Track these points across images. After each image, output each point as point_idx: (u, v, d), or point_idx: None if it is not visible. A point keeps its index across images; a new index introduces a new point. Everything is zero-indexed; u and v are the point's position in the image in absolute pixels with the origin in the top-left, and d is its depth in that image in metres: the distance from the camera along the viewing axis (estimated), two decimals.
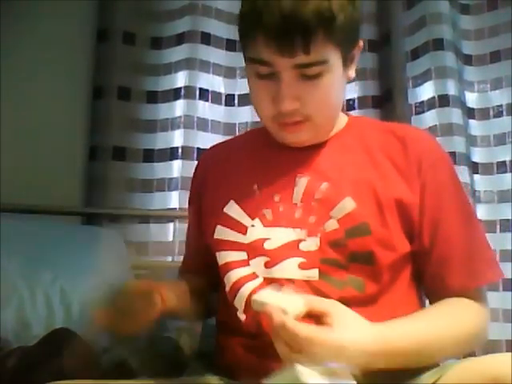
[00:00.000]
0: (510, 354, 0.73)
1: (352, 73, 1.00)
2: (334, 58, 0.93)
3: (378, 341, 0.80)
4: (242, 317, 0.96)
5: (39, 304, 1.31)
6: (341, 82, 0.98)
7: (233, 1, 2.01)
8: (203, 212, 1.08)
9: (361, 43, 1.00)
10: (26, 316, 1.29)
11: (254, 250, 0.97)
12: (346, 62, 0.96)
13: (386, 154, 0.99)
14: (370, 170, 0.98)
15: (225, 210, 1.01)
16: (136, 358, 1.29)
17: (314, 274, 0.93)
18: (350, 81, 1.04)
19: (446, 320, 0.91)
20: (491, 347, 1.61)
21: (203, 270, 1.10)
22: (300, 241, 0.94)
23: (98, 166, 1.88)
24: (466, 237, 0.97)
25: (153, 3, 2.02)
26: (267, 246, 0.96)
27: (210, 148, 1.21)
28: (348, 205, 0.94)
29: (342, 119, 1.07)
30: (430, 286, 0.99)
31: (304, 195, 0.97)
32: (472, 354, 1.41)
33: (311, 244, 0.94)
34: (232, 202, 1.01)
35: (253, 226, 0.98)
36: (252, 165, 1.05)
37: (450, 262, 0.95)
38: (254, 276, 0.96)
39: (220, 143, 1.22)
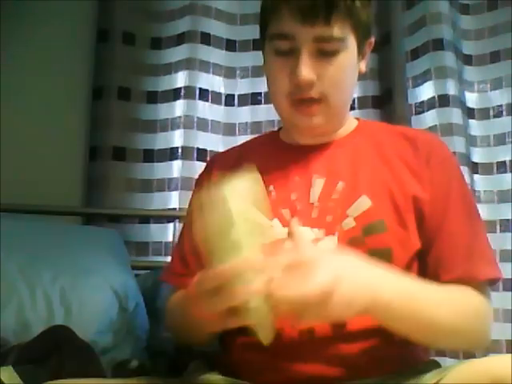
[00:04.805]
0: (510, 355, 0.73)
1: (363, 67, 1.05)
2: (351, 40, 0.98)
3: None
4: None
5: (39, 304, 1.31)
6: (355, 69, 1.02)
7: (233, 1, 2.02)
8: None
9: (372, 40, 1.06)
10: (26, 316, 1.29)
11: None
12: (360, 51, 1.01)
13: (397, 155, 1.02)
14: (384, 170, 1.00)
15: None
16: (136, 358, 1.29)
17: None
18: (360, 77, 1.08)
19: (445, 296, 0.90)
20: (491, 347, 1.61)
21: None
22: (318, 240, 0.95)
23: (98, 165, 1.88)
24: (468, 234, 0.98)
25: (153, 3, 2.02)
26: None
27: (220, 153, 1.22)
28: (364, 203, 0.96)
29: (352, 122, 1.10)
30: (429, 278, 0.98)
31: (321, 196, 0.99)
32: (472, 355, 1.42)
33: (329, 243, 0.94)
34: None
35: (271, 226, 0.97)
36: (266, 167, 1.04)
37: (451, 256, 0.96)
38: None
39: (229, 149, 1.21)
